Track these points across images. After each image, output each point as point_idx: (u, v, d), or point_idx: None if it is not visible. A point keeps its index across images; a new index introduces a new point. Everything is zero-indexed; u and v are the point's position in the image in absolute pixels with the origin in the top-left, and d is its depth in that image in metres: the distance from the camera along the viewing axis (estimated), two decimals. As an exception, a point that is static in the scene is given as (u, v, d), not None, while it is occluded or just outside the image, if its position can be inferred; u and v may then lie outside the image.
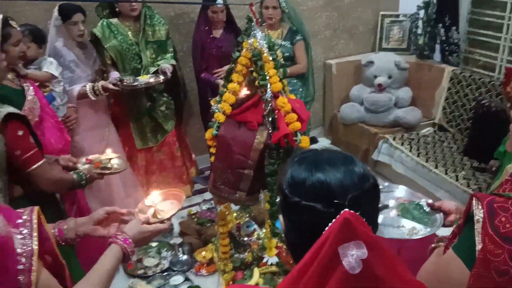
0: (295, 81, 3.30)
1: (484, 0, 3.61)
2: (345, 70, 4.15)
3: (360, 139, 3.92)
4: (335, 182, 0.80)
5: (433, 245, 1.18)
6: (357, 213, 0.71)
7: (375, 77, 3.86)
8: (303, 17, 3.80)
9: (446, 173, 3.08)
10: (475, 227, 0.95)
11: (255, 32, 1.93)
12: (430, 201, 1.46)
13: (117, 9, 2.91)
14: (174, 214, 1.51)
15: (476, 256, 0.92)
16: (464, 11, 3.62)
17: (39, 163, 1.72)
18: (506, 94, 2.03)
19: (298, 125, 1.91)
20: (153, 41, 3.01)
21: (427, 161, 3.26)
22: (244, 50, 1.97)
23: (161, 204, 1.55)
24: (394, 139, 3.58)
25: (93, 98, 2.72)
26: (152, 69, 2.97)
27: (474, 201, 0.98)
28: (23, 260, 0.95)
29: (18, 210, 1.04)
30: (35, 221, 1.01)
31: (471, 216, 0.97)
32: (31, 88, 2.06)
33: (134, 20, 2.95)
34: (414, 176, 3.34)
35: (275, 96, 1.93)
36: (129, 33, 2.95)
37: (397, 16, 4.21)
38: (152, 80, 2.84)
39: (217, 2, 3.04)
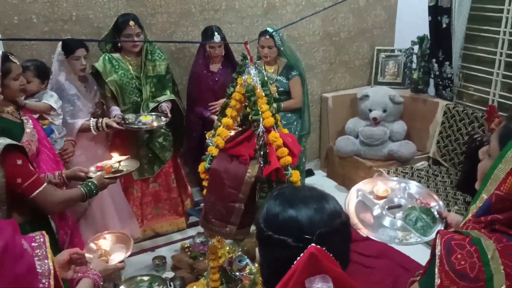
0: (290, 115, 3.36)
1: (476, 36, 3.71)
2: (341, 103, 4.22)
3: (356, 172, 3.94)
4: (305, 218, 0.84)
5: (411, 279, 1.20)
6: (324, 249, 0.74)
7: (370, 110, 3.92)
8: (301, 51, 3.92)
9: (448, 206, 3.08)
10: (436, 262, 0.97)
11: (249, 69, 1.99)
12: (442, 207, 1.49)
13: (119, 45, 3.00)
14: (124, 258, 1.69)
15: None
16: (457, 47, 3.70)
17: (41, 188, 1.77)
18: (491, 130, 2.06)
19: (289, 159, 1.95)
20: (153, 75, 3.09)
21: (421, 195, 3.27)
22: (238, 86, 2.03)
23: (111, 247, 1.74)
24: (388, 172, 3.61)
25: (95, 133, 2.77)
26: (152, 104, 3.03)
27: (437, 238, 1.01)
28: (43, 279, 1.03)
29: (30, 235, 1.10)
30: (47, 243, 1.08)
31: (435, 254, 1.00)
32: (30, 121, 2.11)
33: (136, 55, 3.04)
34: (409, 210, 3.34)
35: (268, 130, 1.98)
36: (130, 67, 3.03)
37: (392, 51, 4.31)
38: (155, 123, 2.90)
39: (214, 38, 3.13)
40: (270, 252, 0.88)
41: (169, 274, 2.84)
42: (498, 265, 0.92)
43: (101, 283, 1.40)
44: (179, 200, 3.43)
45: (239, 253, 2.61)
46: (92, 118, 2.79)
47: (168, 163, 3.31)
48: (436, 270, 0.97)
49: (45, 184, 1.79)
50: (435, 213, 1.51)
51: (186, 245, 3.04)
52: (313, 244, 0.75)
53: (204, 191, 2.08)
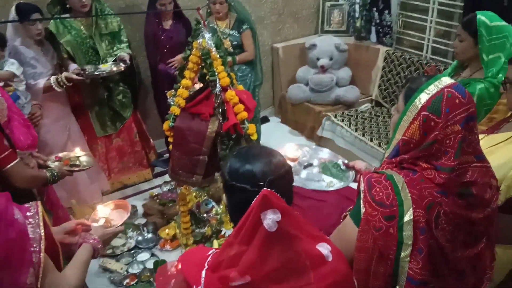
0: (244, 67, 3.55)
1: (412, -14, 3.97)
2: (291, 53, 4.44)
3: (307, 117, 4.26)
4: (258, 170, 1.12)
5: (344, 213, 1.52)
6: (273, 191, 1.03)
7: (318, 59, 4.18)
8: (250, 3, 4.04)
9: (379, 145, 3.49)
10: (361, 196, 1.29)
11: (203, 33, 2.17)
12: (345, 161, 1.82)
13: (67, 6, 3.02)
14: (125, 221, 1.88)
15: (361, 217, 1.26)
16: (396, -4, 3.97)
17: (14, 163, 1.89)
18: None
19: (245, 114, 2.19)
20: (107, 33, 3.16)
21: (363, 135, 3.65)
22: (194, 49, 2.21)
23: (110, 213, 1.92)
24: (335, 116, 3.95)
25: (58, 89, 2.86)
26: (110, 59, 3.13)
27: (360, 177, 1.32)
28: (35, 244, 1.20)
29: (25, 205, 1.28)
30: (40, 213, 1.27)
31: (360, 190, 1.31)
32: (-4, 89, 2.21)
33: (86, 15, 3.07)
34: (353, 149, 3.73)
35: (224, 89, 2.19)
36: (82, 27, 3.07)
37: (337, 0, 4.52)
38: (114, 68, 3.02)
39: (166, -4, 3.20)
40: (234, 196, 1.17)
41: (141, 221, 3.10)
42: (406, 193, 1.24)
43: (99, 246, 1.57)
44: (143, 153, 3.62)
45: (205, 197, 2.91)
46: (52, 76, 2.87)
47: (129, 119, 3.45)
48: (361, 201, 1.28)
49: (18, 159, 1.92)
50: (342, 165, 1.84)
51: (154, 194, 3.30)
52: (265, 188, 1.03)
53: (170, 147, 2.32)
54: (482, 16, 2.14)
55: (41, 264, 1.19)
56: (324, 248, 1.10)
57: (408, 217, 1.22)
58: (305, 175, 1.88)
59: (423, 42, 4.02)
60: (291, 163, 2.04)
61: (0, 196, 1.24)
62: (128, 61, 3.11)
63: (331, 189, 1.75)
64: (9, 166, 1.88)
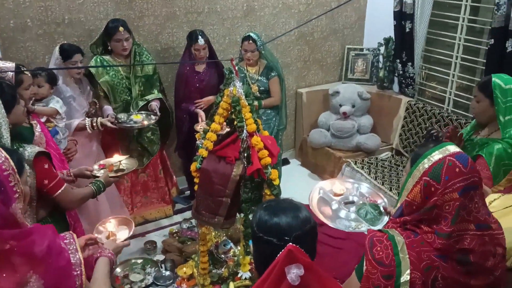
0: (269, 111, 3.68)
1: (436, 40, 4.09)
2: (314, 98, 4.56)
3: (327, 162, 4.33)
4: (285, 225, 1.19)
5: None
6: (298, 246, 1.09)
7: (340, 105, 4.28)
8: (278, 50, 4.22)
9: (398, 195, 3.50)
10: (364, 254, 1.35)
11: (235, 82, 2.29)
12: (386, 202, 1.89)
13: (109, 48, 3.23)
14: (128, 237, 2.02)
15: (363, 274, 1.32)
16: (419, 49, 4.07)
17: (63, 188, 2.06)
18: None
19: (269, 160, 2.28)
20: (142, 75, 3.35)
21: (383, 184, 3.69)
22: (225, 96, 2.34)
23: (115, 228, 2.09)
24: (355, 163, 4.00)
25: (90, 131, 3.04)
26: (141, 103, 3.30)
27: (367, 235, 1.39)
28: (77, 268, 1.32)
29: (61, 234, 1.40)
30: (76, 240, 1.38)
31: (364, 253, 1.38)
32: (38, 125, 2.36)
33: (125, 57, 3.28)
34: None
35: (250, 135, 2.30)
36: (120, 68, 3.27)
37: (361, 50, 4.66)
38: (145, 122, 3.20)
39: (198, 41, 3.39)
40: (260, 248, 1.24)
41: (160, 257, 3.16)
42: (405, 255, 1.30)
43: (114, 258, 1.68)
44: (166, 188, 3.73)
45: (224, 238, 2.96)
46: (87, 118, 3.04)
47: (156, 155, 3.59)
48: (365, 260, 1.34)
49: (65, 184, 2.08)
50: (381, 208, 1.90)
51: (174, 231, 3.36)
52: (290, 243, 1.10)
53: (196, 187, 2.41)
54: (497, 79, 2.22)
55: (83, 285, 1.28)
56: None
57: (405, 277, 1.28)
58: (343, 215, 1.95)
59: (444, 95, 4.09)
60: (335, 198, 2.12)
61: (47, 228, 1.36)
62: (158, 112, 3.28)
63: (356, 231, 1.81)
64: (59, 192, 2.04)
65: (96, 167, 2.44)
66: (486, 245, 1.37)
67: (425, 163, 1.36)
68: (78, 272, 1.37)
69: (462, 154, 1.38)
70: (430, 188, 1.34)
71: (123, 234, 2.08)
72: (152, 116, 3.24)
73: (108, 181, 2.30)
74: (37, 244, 1.26)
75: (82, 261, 1.40)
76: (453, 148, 1.39)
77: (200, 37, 3.41)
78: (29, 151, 1.93)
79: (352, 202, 2.03)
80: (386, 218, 1.85)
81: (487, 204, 1.82)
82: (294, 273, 1.06)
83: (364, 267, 1.33)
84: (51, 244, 1.32)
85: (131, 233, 2.09)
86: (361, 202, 2.02)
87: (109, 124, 3.04)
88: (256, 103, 3.43)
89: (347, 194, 2.10)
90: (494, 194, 1.89)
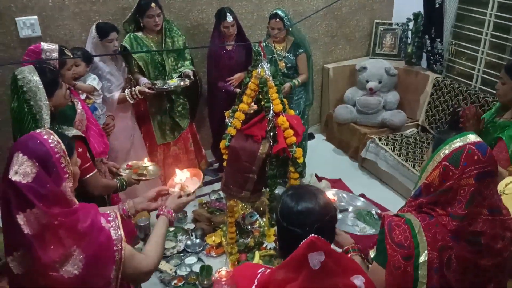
0: (298, 89, 3.75)
1: (467, 16, 4.03)
2: (341, 74, 4.60)
3: (352, 138, 4.41)
4: (307, 218, 1.31)
5: (344, 249, 1.68)
6: (319, 236, 1.22)
7: (367, 81, 4.32)
8: (305, 25, 4.25)
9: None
10: (384, 238, 1.46)
11: (262, 63, 2.39)
12: (378, 211, 2.00)
13: (141, 24, 3.35)
14: (197, 188, 2.14)
15: (386, 259, 1.44)
16: (448, 25, 4.04)
17: (93, 173, 2.22)
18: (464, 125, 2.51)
19: (294, 139, 2.40)
20: (173, 51, 3.48)
21: (406, 161, 3.76)
22: (253, 78, 2.44)
23: (186, 180, 2.18)
24: (380, 139, 4.06)
25: (131, 101, 3.23)
26: (175, 75, 3.44)
27: (383, 221, 1.50)
28: (117, 243, 1.48)
29: (105, 213, 1.56)
30: (119, 217, 1.55)
31: (382, 231, 1.49)
32: (79, 102, 2.54)
33: (157, 33, 3.40)
34: (395, 173, 3.84)
35: (277, 115, 2.41)
36: (152, 44, 3.40)
37: (390, 24, 4.63)
38: (181, 83, 3.35)
39: (227, 18, 3.47)
40: (284, 235, 1.38)
41: (190, 226, 3.35)
42: (422, 237, 1.41)
43: (173, 216, 1.83)
44: (196, 161, 3.91)
45: (250, 210, 3.13)
46: (126, 89, 3.22)
47: (186, 129, 3.76)
48: (386, 243, 1.46)
49: (95, 170, 2.24)
50: (375, 214, 2.02)
51: (203, 202, 3.55)
52: (312, 234, 1.23)
53: (225, 163, 2.56)
54: None
55: (122, 259, 1.46)
56: (358, 280, 1.27)
57: (423, 257, 1.39)
58: (340, 217, 2.09)
59: (473, 72, 4.06)
60: None
61: (91, 207, 1.53)
62: (192, 77, 3.41)
63: (364, 234, 1.94)
64: (88, 176, 2.20)
65: (124, 166, 2.59)
66: (497, 228, 1.46)
67: (446, 149, 1.45)
68: (119, 247, 1.50)
69: (482, 143, 1.46)
70: (449, 172, 1.43)
71: (192, 185, 2.19)
72: (186, 79, 3.39)
73: (130, 182, 2.43)
74: (81, 221, 1.43)
75: (123, 237, 1.53)
76: (473, 137, 1.47)
77: (228, 14, 3.48)
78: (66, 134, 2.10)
79: (346, 210, 2.17)
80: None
81: (503, 185, 1.91)
82: (316, 259, 1.19)
83: (387, 251, 1.45)
84: (93, 222, 1.48)
85: (198, 185, 2.19)
86: (355, 209, 2.15)
87: (147, 90, 3.20)
88: (296, 81, 3.56)
89: (340, 204, 2.24)
90: (510, 177, 1.95)
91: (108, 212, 1.60)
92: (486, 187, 1.43)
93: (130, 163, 2.60)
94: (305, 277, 1.20)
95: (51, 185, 1.38)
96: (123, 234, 1.54)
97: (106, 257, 1.45)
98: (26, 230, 1.34)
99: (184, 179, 2.18)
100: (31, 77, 1.97)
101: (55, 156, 1.43)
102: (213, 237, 3.09)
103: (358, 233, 1.96)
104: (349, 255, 1.61)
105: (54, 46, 2.41)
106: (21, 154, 1.39)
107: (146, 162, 2.62)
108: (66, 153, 1.47)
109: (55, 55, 2.37)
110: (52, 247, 1.36)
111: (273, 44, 3.67)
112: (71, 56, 2.47)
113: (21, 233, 1.34)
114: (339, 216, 2.09)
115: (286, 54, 3.66)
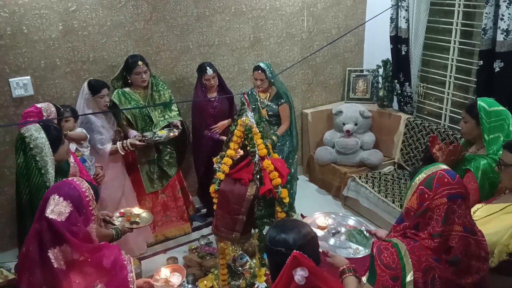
0: (283, 135, 3.92)
1: (431, 61, 4.38)
2: (319, 118, 4.86)
3: (333, 177, 4.60)
4: (290, 237, 1.49)
5: (340, 269, 1.83)
6: (301, 253, 1.37)
7: (344, 124, 4.57)
8: (283, 75, 4.52)
9: (401, 207, 3.75)
10: (373, 261, 1.62)
11: (247, 112, 2.59)
12: (369, 228, 2.16)
13: (129, 81, 3.56)
14: (180, 284, 2.40)
15: (375, 279, 1.59)
16: (415, 70, 4.36)
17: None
18: (433, 154, 2.72)
19: (279, 180, 2.57)
20: (160, 103, 3.68)
21: (386, 197, 3.94)
22: (238, 126, 2.64)
23: (170, 275, 2.51)
24: (360, 177, 4.26)
25: (122, 153, 3.38)
26: (162, 123, 3.63)
27: (373, 245, 1.66)
28: (131, 285, 1.61)
29: (122, 256, 1.69)
30: (132, 263, 1.68)
31: (372, 255, 1.65)
32: (71, 156, 2.68)
33: (144, 88, 3.61)
34: (376, 209, 4.01)
35: (262, 158, 2.59)
36: (140, 98, 3.60)
37: (362, 71, 4.97)
38: (171, 134, 3.53)
39: (207, 71, 3.71)
40: (272, 258, 1.54)
41: (182, 272, 3.43)
42: (408, 259, 1.57)
43: None
44: (184, 207, 4.02)
45: (240, 252, 3.24)
46: (118, 142, 3.37)
47: (174, 177, 3.89)
48: (375, 265, 1.61)
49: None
50: (365, 231, 2.19)
51: (193, 247, 3.64)
52: (295, 251, 1.39)
53: (215, 207, 2.70)
54: (482, 102, 2.50)
55: None
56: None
57: (409, 277, 1.55)
58: (333, 243, 2.23)
59: (441, 111, 4.36)
60: (321, 232, 2.41)
61: (114, 246, 1.69)
62: (180, 126, 3.59)
63: (358, 256, 2.08)
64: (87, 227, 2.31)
65: (117, 214, 2.70)
66: (472, 246, 1.63)
67: (421, 176, 1.66)
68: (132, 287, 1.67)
69: (450, 170, 1.67)
70: (424, 195, 1.62)
71: (175, 279, 2.52)
72: (175, 129, 3.56)
73: (124, 230, 2.53)
74: (106, 257, 1.58)
75: (135, 280, 1.70)
76: (443, 166, 1.69)
77: (208, 68, 3.73)
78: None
79: (338, 232, 2.33)
80: (372, 240, 2.13)
81: (471, 212, 2.09)
82: (300, 274, 1.33)
83: (377, 272, 1.60)
84: (117, 259, 1.64)
85: (184, 279, 2.52)
86: (346, 230, 2.31)
87: (137, 142, 3.37)
88: (275, 137, 3.75)
89: (331, 227, 2.40)
90: (477, 204, 2.15)
91: (123, 256, 1.74)
92: (459, 207, 1.61)
93: (122, 210, 2.71)
94: None
95: (81, 224, 1.55)
96: (134, 278, 1.68)
97: None
98: (56, 264, 1.48)
99: (169, 274, 2.51)
100: (37, 134, 2.13)
101: (86, 199, 1.64)
102: (205, 282, 3.16)
103: (352, 256, 2.10)
104: (345, 275, 1.75)
105: (49, 105, 2.59)
106: (57, 196, 1.58)
107: (138, 210, 2.74)
108: (94, 198, 1.64)
109: (53, 109, 2.55)
110: (77, 281, 1.49)
111: (258, 93, 3.89)
112: (64, 113, 2.64)
113: (50, 267, 1.48)
114: (332, 240, 2.23)
115: (269, 103, 3.87)
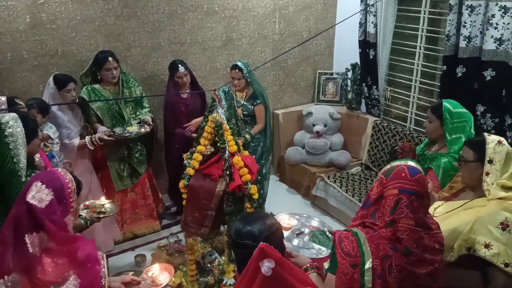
0: (257, 136, 3.96)
1: (398, 66, 4.52)
2: (290, 119, 4.93)
3: (303, 177, 4.67)
4: (256, 229, 1.52)
5: (303, 268, 1.87)
6: (267, 244, 1.40)
7: (314, 125, 4.65)
8: (255, 75, 4.57)
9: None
10: (335, 250, 1.67)
11: (217, 109, 2.62)
12: (331, 229, 2.22)
13: (99, 77, 3.52)
14: (168, 283, 2.47)
15: (336, 267, 1.64)
16: (382, 73, 4.49)
17: None
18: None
19: (248, 177, 2.59)
20: (131, 100, 3.65)
21: (353, 196, 4.04)
22: (209, 122, 2.65)
23: (158, 273, 2.57)
24: (328, 177, 4.35)
25: (91, 147, 3.33)
26: (134, 122, 3.58)
27: (335, 235, 1.72)
28: (102, 280, 1.65)
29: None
30: (105, 259, 1.68)
31: (333, 245, 1.70)
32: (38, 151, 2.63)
33: (114, 85, 3.57)
34: (344, 208, 4.10)
35: (232, 155, 2.61)
36: (110, 95, 3.56)
37: (331, 74, 5.07)
38: (142, 130, 3.50)
39: (179, 69, 3.72)
40: (239, 251, 1.56)
41: (150, 269, 3.40)
42: (367, 247, 1.63)
43: None
44: (153, 205, 3.99)
45: (209, 249, 3.24)
46: (87, 136, 3.32)
47: (143, 174, 3.86)
48: (336, 253, 1.66)
49: None
50: (327, 232, 2.26)
51: (162, 244, 3.62)
52: (261, 242, 1.41)
53: (184, 202, 2.70)
54: (447, 104, 2.62)
55: None
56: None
57: (368, 265, 1.60)
58: (296, 243, 2.28)
59: (407, 114, 4.51)
60: (285, 232, 2.46)
61: (89, 242, 1.72)
62: (151, 123, 3.57)
63: (320, 256, 2.14)
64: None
65: (81, 206, 2.67)
66: (425, 240, 1.70)
67: (386, 167, 1.75)
68: (103, 283, 1.68)
69: (415, 168, 1.72)
70: (382, 182, 1.70)
71: (163, 279, 2.56)
72: (146, 126, 3.53)
73: (92, 219, 2.51)
74: (80, 249, 1.62)
75: (107, 275, 1.71)
76: (412, 163, 1.74)
77: (180, 65, 3.74)
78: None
79: (302, 233, 2.39)
80: None
81: (433, 209, 2.18)
82: (266, 265, 1.35)
83: (338, 259, 1.65)
84: (91, 253, 1.67)
85: (171, 278, 2.58)
86: (309, 231, 2.37)
87: (105, 137, 3.32)
88: (248, 136, 3.77)
89: (295, 228, 2.46)
90: (438, 202, 2.24)
91: (97, 252, 1.74)
92: (411, 203, 1.66)
93: (86, 202, 2.69)
94: (259, 285, 1.36)
95: (59, 214, 1.57)
96: (107, 273, 1.70)
97: (96, 285, 1.59)
98: (31, 249, 1.49)
99: (157, 272, 2.55)
100: (13, 123, 2.12)
101: (67, 190, 1.66)
102: (173, 278, 3.14)
103: (314, 256, 2.15)
104: (308, 272, 1.79)
105: (3, 99, 2.55)
106: (39, 183, 1.60)
107: (103, 200, 2.72)
108: (76, 190, 1.67)
109: (3, 107, 2.51)
110: (50, 269, 1.49)
111: (234, 92, 3.91)
112: (24, 105, 2.59)
113: (24, 252, 1.49)
114: (296, 241, 2.27)
115: (244, 103, 3.89)
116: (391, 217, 1.65)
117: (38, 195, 1.58)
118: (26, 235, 1.51)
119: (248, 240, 1.49)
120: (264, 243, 1.40)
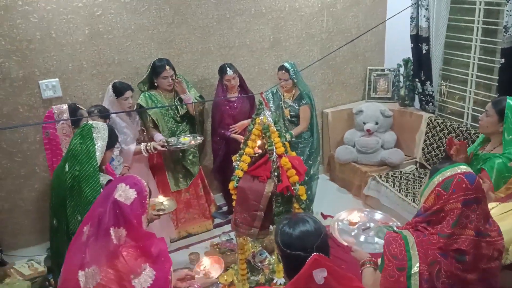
0: (306, 136, 3.97)
1: (453, 60, 4.34)
2: (339, 117, 4.88)
3: (353, 176, 4.61)
4: (307, 241, 1.49)
5: (361, 262, 1.88)
6: (320, 254, 1.41)
7: (364, 123, 4.58)
8: (303, 74, 4.56)
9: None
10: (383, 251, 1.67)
11: (264, 111, 2.66)
12: (399, 224, 2.20)
13: (156, 84, 3.68)
14: (220, 275, 2.65)
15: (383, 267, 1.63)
16: (436, 69, 4.34)
17: None
18: (451, 155, 2.72)
19: (296, 178, 2.62)
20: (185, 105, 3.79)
21: (406, 196, 3.94)
22: (256, 124, 2.70)
23: (209, 266, 2.72)
24: (380, 177, 4.27)
25: (145, 155, 3.49)
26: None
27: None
28: (170, 276, 1.79)
29: None
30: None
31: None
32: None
33: (169, 91, 3.72)
34: (397, 208, 4.01)
35: (280, 156, 2.65)
36: (166, 100, 3.70)
37: (382, 70, 4.96)
38: (193, 142, 3.63)
39: (227, 72, 3.80)
40: (289, 260, 1.54)
41: (203, 267, 3.52)
42: (415, 251, 1.61)
43: None
44: (206, 205, 4.12)
45: (260, 248, 3.30)
46: (142, 143, 3.49)
47: (197, 176, 3.99)
48: (383, 255, 1.66)
49: None
50: (395, 228, 2.22)
51: (215, 243, 3.73)
52: (315, 253, 1.42)
53: (234, 203, 2.77)
54: (511, 101, 2.47)
55: None
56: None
57: (415, 269, 1.58)
58: (363, 239, 2.30)
59: (463, 110, 4.32)
60: (351, 227, 2.47)
61: (162, 240, 1.88)
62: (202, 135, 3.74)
63: (381, 251, 2.14)
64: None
65: None
66: (483, 249, 1.65)
67: (440, 177, 1.68)
68: (170, 278, 1.84)
69: (471, 173, 1.67)
70: (441, 196, 1.65)
71: (215, 271, 2.73)
72: (197, 137, 3.67)
73: (151, 218, 2.61)
74: (154, 245, 1.79)
75: (172, 272, 1.87)
76: (464, 168, 1.69)
77: (228, 69, 3.81)
78: (101, 179, 2.36)
79: (368, 228, 2.37)
80: None
81: (488, 210, 2.10)
82: (320, 275, 1.38)
83: (384, 262, 1.65)
84: (163, 250, 1.84)
85: (220, 272, 2.72)
86: (375, 226, 2.35)
87: (159, 147, 3.47)
88: (288, 135, 3.78)
89: (362, 222, 2.45)
90: (493, 203, 2.15)
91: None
92: (473, 212, 1.63)
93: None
94: None
95: (140, 212, 1.77)
96: (172, 270, 1.86)
97: (166, 281, 1.75)
98: (116, 241, 1.69)
99: (209, 266, 2.71)
100: (103, 129, 2.36)
101: (145, 193, 1.85)
102: (225, 276, 3.23)
103: (377, 251, 2.16)
104: (365, 266, 1.81)
105: (60, 107, 2.77)
106: (124, 184, 1.80)
107: (161, 198, 2.85)
108: (149, 195, 1.88)
109: (63, 108, 2.72)
110: (129, 261, 1.69)
111: (282, 93, 3.96)
112: (86, 112, 2.78)
113: (107, 243, 1.68)
114: (362, 236, 2.29)
115: (292, 103, 3.91)
116: (452, 231, 1.61)
117: (125, 194, 1.77)
118: (111, 228, 1.69)
119: (300, 252, 1.47)
120: (317, 253, 1.42)
